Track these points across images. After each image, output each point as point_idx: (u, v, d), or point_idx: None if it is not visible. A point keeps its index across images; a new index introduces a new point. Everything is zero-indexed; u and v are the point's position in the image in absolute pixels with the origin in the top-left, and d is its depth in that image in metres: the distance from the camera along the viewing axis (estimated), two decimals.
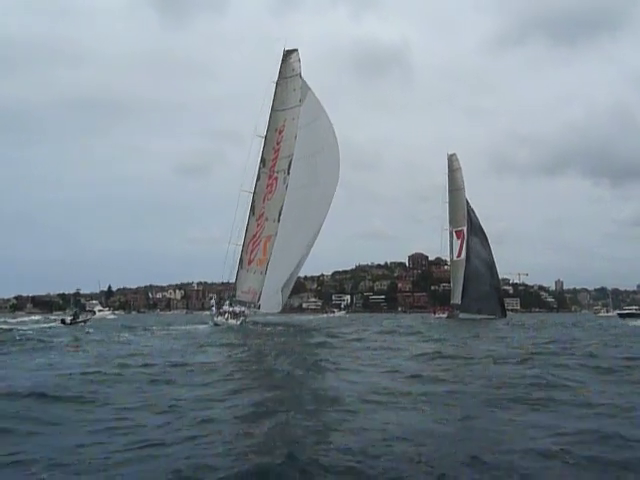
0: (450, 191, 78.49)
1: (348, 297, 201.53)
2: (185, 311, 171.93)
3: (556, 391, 10.55)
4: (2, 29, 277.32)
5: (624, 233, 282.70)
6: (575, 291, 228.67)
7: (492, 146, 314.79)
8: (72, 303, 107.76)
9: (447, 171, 79.42)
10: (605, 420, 8.16)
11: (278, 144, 51.43)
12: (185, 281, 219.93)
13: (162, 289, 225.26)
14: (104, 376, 12.58)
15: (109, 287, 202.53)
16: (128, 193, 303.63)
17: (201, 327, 41.86)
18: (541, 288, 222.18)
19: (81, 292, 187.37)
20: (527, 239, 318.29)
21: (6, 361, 16.27)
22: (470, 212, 76.62)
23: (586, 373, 13.38)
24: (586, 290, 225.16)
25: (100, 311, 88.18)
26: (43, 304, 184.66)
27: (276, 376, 13.75)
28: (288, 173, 49.35)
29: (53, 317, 64.79)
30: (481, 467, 5.96)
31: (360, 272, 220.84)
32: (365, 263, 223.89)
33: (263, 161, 51.86)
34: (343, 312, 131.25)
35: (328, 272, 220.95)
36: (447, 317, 74.90)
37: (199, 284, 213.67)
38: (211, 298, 64.36)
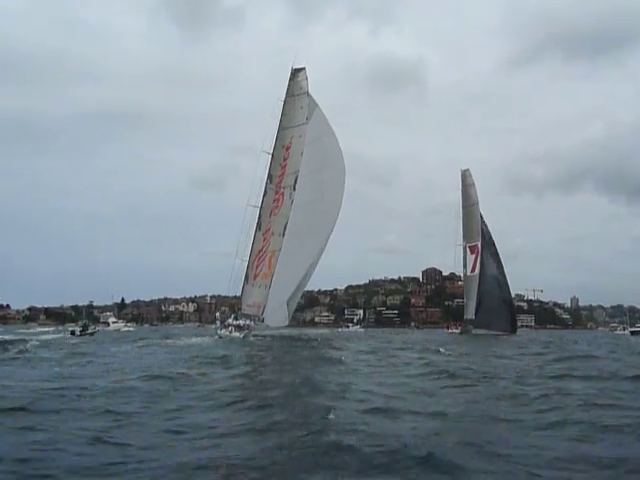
0: (464, 206, 78.40)
1: (361, 312, 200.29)
2: (197, 324, 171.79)
3: None
4: (23, 44, 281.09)
5: None
6: (591, 308, 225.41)
7: (507, 163, 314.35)
8: (84, 315, 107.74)
9: (461, 186, 79.51)
10: None
11: (285, 160, 52.36)
12: (199, 294, 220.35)
13: (176, 302, 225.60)
14: None
15: (122, 299, 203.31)
16: (144, 206, 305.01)
17: (205, 340, 41.51)
18: (556, 305, 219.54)
19: (94, 304, 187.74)
20: (542, 255, 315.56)
21: None
22: (483, 227, 76.16)
23: None
24: (602, 307, 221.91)
25: (114, 323, 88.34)
26: (56, 316, 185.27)
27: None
28: (294, 189, 50.39)
29: (60, 328, 65.12)
30: None
31: (373, 287, 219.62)
32: (379, 278, 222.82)
33: (270, 177, 52.72)
34: (358, 326, 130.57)
35: (342, 286, 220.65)
36: (460, 333, 74.27)
37: (212, 297, 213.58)
38: (223, 312, 64.46)
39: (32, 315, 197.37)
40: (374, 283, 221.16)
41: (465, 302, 79.47)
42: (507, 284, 76.28)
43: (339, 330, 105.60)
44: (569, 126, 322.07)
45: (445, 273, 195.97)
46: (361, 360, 22.94)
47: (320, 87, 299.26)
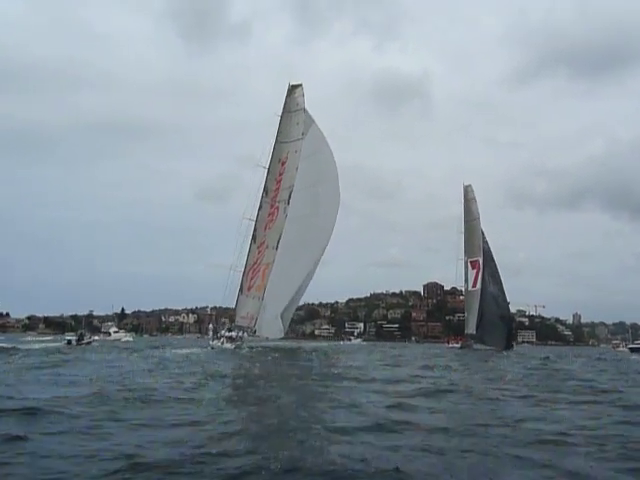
0: (466, 221, 78.68)
1: (361, 325, 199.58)
2: (197, 336, 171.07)
3: None
4: (28, 52, 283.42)
5: None
6: (593, 325, 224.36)
7: (510, 178, 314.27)
8: (83, 324, 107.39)
9: (463, 201, 79.74)
10: None
11: (280, 175, 53.41)
12: (200, 305, 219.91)
13: (176, 313, 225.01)
14: None
15: (122, 309, 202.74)
16: (149, 216, 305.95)
17: (194, 351, 41.03)
18: (558, 321, 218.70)
19: (94, 314, 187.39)
20: (545, 271, 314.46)
21: None
22: (484, 243, 76.16)
23: None
24: (604, 324, 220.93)
25: (115, 332, 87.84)
26: (55, 325, 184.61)
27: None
28: (288, 203, 51.27)
29: (58, 338, 64.85)
30: None
31: (374, 300, 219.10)
32: (380, 291, 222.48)
33: (266, 191, 53.63)
34: (359, 340, 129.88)
35: (342, 299, 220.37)
36: (460, 347, 73.99)
37: (213, 309, 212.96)
38: (223, 323, 64.41)
39: (31, 324, 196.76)
40: (375, 296, 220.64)
41: (466, 317, 79.48)
42: (505, 300, 76.32)
43: (341, 343, 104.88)
44: (573, 142, 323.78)
45: (447, 287, 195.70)
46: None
47: (325, 101, 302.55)
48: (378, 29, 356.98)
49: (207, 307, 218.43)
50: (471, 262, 77.08)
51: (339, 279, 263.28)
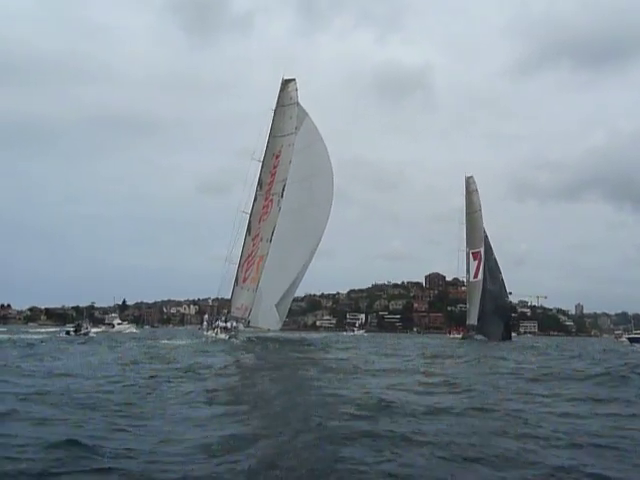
0: (467, 213, 78.98)
1: (363, 316, 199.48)
2: (198, 327, 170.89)
3: None
4: (31, 46, 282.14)
5: None
6: (595, 315, 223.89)
7: (513, 170, 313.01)
8: (84, 316, 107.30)
9: (464, 193, 79.80)
10: None
11: (275, 168, 53.75)
12: (202, 297, 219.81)
13: (178, 304, 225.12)
14: None
15: (123, 301, 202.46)
16: (151, 209, 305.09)
17: (184, 342, 40.74)
18: (560, 311, 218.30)
19: (96, 305, 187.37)
20: (547, 262, 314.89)
21: None
22: (484, 236, 76.28)
23: None
24: (607, 315, 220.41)
25: (119, 324, 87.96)
26: (57, 316, 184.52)
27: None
28: (282, 196, 51.81)
29: (57, 329, 65.00)
30: None
31: (376, 291, 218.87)
32: (381, 282, 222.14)
33: (260, 183, 54.06)
34: (362, 331, 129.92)
35: (344, 290, 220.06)
36: (462, 338, 74.05)
37: (214, 300, 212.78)
38: (225, 314, 64.45)
39: (33, 315, 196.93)
40: (377, 287, 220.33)
41: (467, 308, 79.90)
42: (505, 295, 77.17)
43: (344, 334, 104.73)
44: (575, 133, 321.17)
45: (448, 278, 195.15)
46: None
47: (327, 93, 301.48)
48: (380, 21, 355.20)
49: (209, 298, 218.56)
50: (473, 253, 77.30)
51: (341, 270, 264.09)
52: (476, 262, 76.61)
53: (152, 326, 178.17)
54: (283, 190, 51.85)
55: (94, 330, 64.82)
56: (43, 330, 69.18)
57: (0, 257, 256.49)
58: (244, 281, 53.69)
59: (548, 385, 15.69)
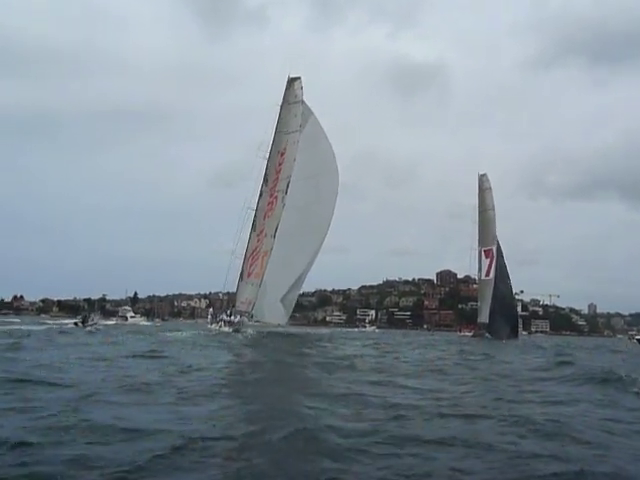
0: (480, 211, 78.77)
1: (373, 312, 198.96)
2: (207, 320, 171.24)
3: None
4: (38, 37, 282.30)
5: None
6: (609, 315, 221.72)
7: (526, 166, 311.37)
8: (96, 308, 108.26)
9: (477, 191, 79.66)
10: None
11: (280, 165, 54.62)
12: (214, 291, 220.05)
13: (189, 298, 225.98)
14: None
15: (135, 293, 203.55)
16: (162, 202, 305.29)
17: (186, 334, 40.44)
18: (572, 311, 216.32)
19: (107, 298, 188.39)
20: (560, 261, 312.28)
21: None
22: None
23: None
24: (620, 315, 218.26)
25: (132, 317, 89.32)
26: (69, 308, 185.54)
27: None
28: (286, 193, 52.78)
29: (65, 321, 65.36)
30: None
31: (387, 287, 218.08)
32: (393, 279, 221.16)
33: (266, 180, 54.91)
34: (374, 327, 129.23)
35: (355, 286, 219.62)
36: (472, 336, 73.65)
37: (225, 294, 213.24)
38: (232, 308, 64.74)
39: (45, 307, 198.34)
40: (388, 284, 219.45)
41: (479, 305, 79.65)
42: (513, 298, 79.08)
43: (355, 330, 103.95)
44: (589, 130, 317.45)
45: (460, 276, 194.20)
46: None
47: (340, 88, 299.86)
48: (394, 17, 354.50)
49: (219, 292, 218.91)
50: (485, 251, 77.12)
51: (352, 266, 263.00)
52: (488, 260, 76.40)
53: (162, 319, 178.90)
54: (287, 187, 52.65)
55: (105, 322, 65.27)
56: (51, 322, 69.51)
57: (15, 249, 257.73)
58: (249, 276, 54.60)
59: None
